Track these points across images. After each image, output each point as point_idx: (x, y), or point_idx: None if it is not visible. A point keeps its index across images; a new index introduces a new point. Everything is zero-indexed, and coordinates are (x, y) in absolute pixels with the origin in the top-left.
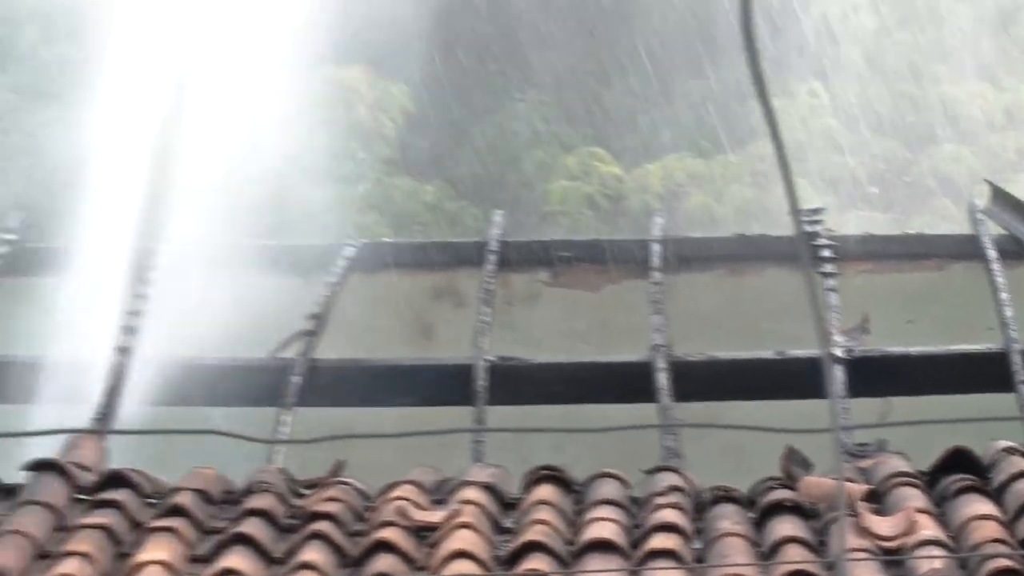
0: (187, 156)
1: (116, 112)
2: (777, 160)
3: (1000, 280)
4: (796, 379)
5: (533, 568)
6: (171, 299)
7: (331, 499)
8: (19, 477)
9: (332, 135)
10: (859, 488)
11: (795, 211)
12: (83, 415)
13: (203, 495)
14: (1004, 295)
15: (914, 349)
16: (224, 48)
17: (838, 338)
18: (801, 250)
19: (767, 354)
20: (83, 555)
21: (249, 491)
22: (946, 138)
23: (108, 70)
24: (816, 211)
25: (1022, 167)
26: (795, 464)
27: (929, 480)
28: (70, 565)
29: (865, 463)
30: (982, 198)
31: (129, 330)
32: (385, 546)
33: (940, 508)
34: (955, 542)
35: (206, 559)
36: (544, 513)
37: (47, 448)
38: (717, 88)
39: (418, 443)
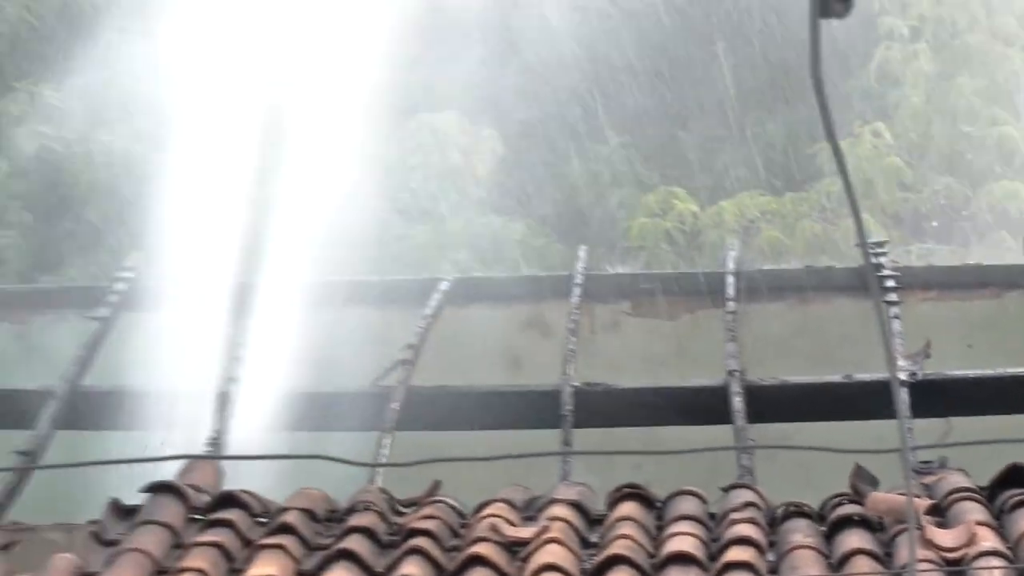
0: (293, 196)
1: (221, 156)
2: (846, 196)
3: None
4: (862, 401)
5: None
6: (279, 332)
7: (428, 516)
8: (138, 499)
9: (427, 177)
10: (923, 503)
11: (863, 244)
12: (197, 441)
13: (309, 514)
14: None
15: (973, 372)
16: (329, 95)
17: (902, 362)
18: (869, 280)
19: (835, 378)
20: (198, 571)
21: (352, 510)
22: (1003, 175)
23: (209, 116)
24: (881, 243)
25: None
26: (862, 481)
27: (988, 495)
28: None
29: (928, 479)
30: None
31: (239, 361)
32: (479, 560)
33: (999, 521)
34: (1013, 553)
35: (312, 574)
36: (627, 528)
37: (164, 472)
38: (787, 129)
39: (508, 464)
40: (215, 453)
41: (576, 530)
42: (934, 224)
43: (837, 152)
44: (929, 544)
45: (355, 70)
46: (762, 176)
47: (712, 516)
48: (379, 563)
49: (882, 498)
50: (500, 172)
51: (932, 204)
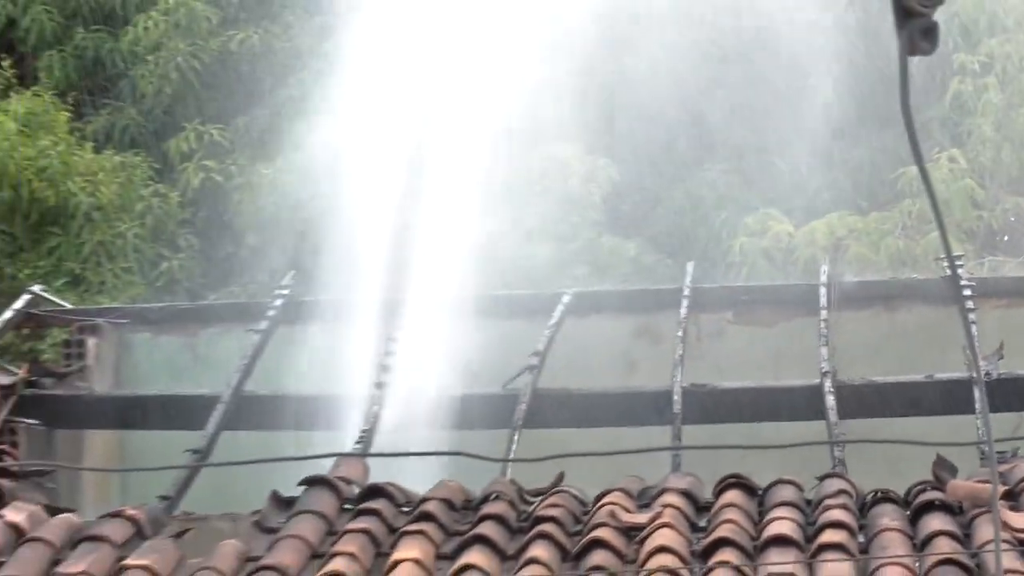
0: (435, 219)
1: (370, 184)
2: (932, 214)
3: None
4: (943, 398)
5: (725, 560)
6: (422, 341)
7: (553, 505)
8: (296, 491)
9: (549, 202)
10: (1000, 489)
11: (949, 256)
12: (347, 440)
13: (447, 503)
14: None
15: None
16: (467, 130)
17: (980, 363)
18: (953, 289)
19: (918, 378)
20: (349, 555)
21: (485, 499)
22: None
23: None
24: (958, 257)
25: None
26: (943, 470)
27: None
28: (339, 563)
29: (1003, 468)
30: None
31: (387, 368)
32: (599, 543)
33: None
34: None
35: (450, 556)
36: (732, 514)
37: (318, 467)
38: (871, 155)
39: (625, 457)
40: (363, 451)
41: (686, 516)
42: (1004, 239)
43: (924, 175)
44: (1005, 526)
45: (489, 107)
46: (849, 198)
47: (808, 502)
48: (510, 547)
49: (961, 485)
50: (614, 197)
51: (1002, 221)
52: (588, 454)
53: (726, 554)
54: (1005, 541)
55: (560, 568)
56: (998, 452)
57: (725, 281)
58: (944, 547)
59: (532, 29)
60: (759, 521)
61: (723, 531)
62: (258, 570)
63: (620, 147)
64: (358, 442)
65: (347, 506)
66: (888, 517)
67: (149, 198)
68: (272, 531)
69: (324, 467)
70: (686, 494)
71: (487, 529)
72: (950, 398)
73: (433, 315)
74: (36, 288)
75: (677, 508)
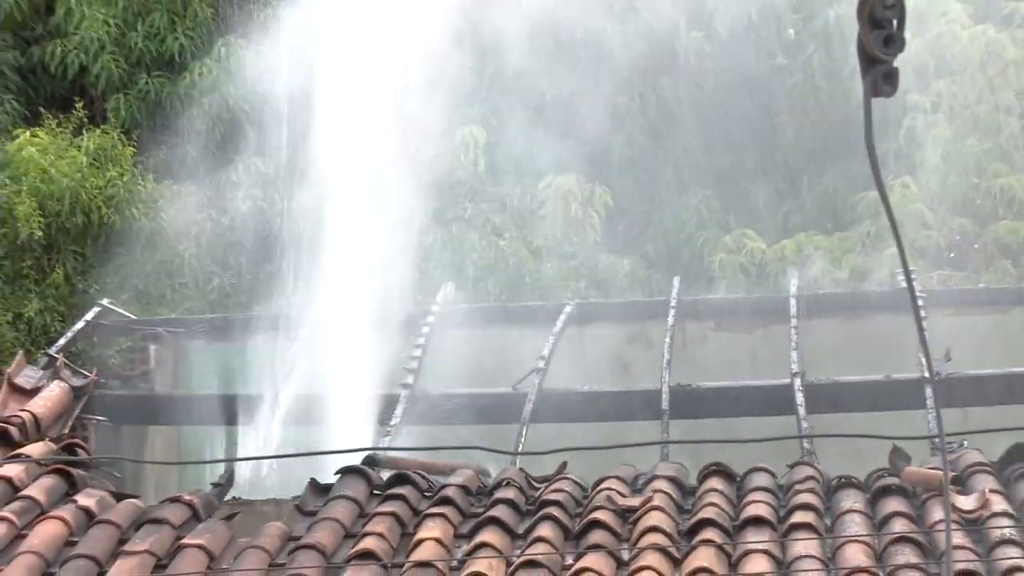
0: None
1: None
2: (892, 233)
3: None
4: (899, 396)
5: (708, 538)
6: (441, 347)
7: (557, 490)
8: (332, 479)
9: (553, 225)
10: (949, 475)
11: (905, 270)
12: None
13: (464, 489)
14: None
15: (984, 372)
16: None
17: (931, 365)
18: (911, 299)
19: (877, 377)
20: (378, 534)
21: (498, 486)
22: (1004, 216)
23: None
24: (912, 271)
25: None
26: (899, 459)
27: (998, 468)
28: (369, 542)
29: (952, 457)
30: None
31: (409, 371)
32: (598, 524)
33: (1007, 489)
34: (1019, 513)
35: (467, 536)
36: (714, 497)
37: (350, 459)
38: (834, 182)
39: (620, 448)
40: (390, 446)
41: (673, 499)
42: (951, 255)
43: (884, 199)
44: (954, 508)
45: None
46: (815, 219)
47: (780, 487)
48: (519, 527)
49: (915, 472)
50: (610, 220)
51: (949, 240)
52: (588, 448)
53: (709, 533)
54: (954, 521)
55: (563, 546)
56: (947, 443)
57: (707, 293)
58: (900, 526)
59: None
60: (737, 504)
61: (706, 512)
62: (298, 548)
63: (615, 176)
64: (385, 435)
65: (376, 492)
66: (851, 500)
67: (203, 223)
68: (311, 514)
69: (355, 459)
70: (673, 480)
71: (499, 512)
72: (905, 395)
73: (453, 323)
74: (105, 301)
75: (665, 493)
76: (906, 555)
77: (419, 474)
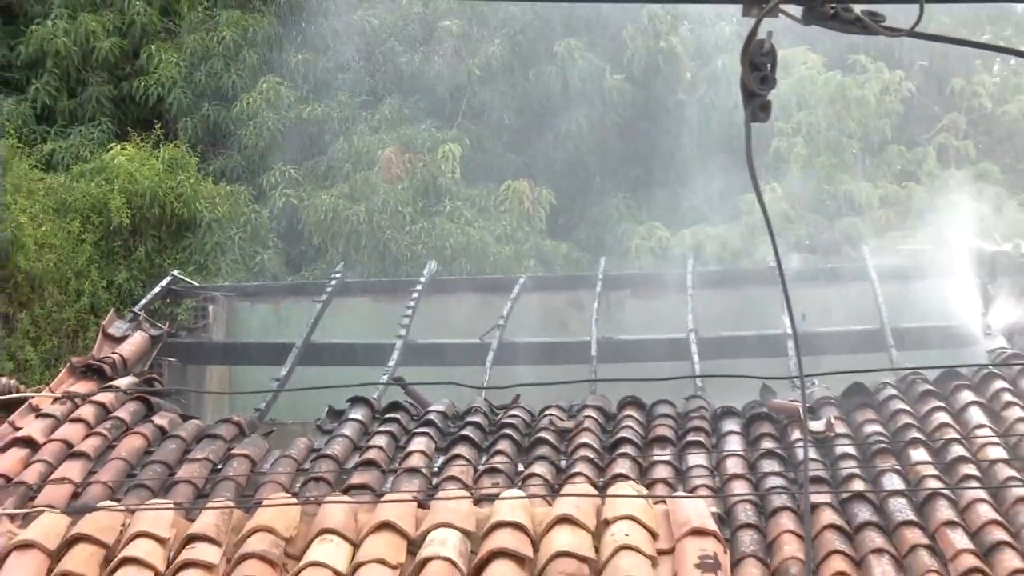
0: (449, 231)
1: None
2: (765, 225)
3: (880, 297)
4: (768, 346)
5: (625, 452)
6: (427, 308)
7: (512, 416)
8: (344, 406)
9: (511, 217)
10: (804, 406)
11: (776, 254)
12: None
13: (443, 415)
14: (881, 299)
15: (832, 328)
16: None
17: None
18: (779, 275)
19: (752, 333)
20: (379, 447)
21: (468, 412)
22: (847, 214)
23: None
24: (779, 254)
25: (896, 228)
26: (768, 394)
27: (841, 401)
28: (372, 452)
29: (806, 392)
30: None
31: (404, 327)
32: (543, 441)
33: (847, 416)
34: (855, 434)
35: (445, 449)
36: (629, 422)
37: (359, 390)
38: (723, 187)
39: (560, 385)
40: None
41: (599, 423)
42: (807, 243)
43: (760, 200)
44: (806, 429)
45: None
46: (707, 215)
47: (679, 415)
48: (484, 442)
49: (779, 403)
50: (553, 214)
51: (806, 231)
52: (535, 384)
53: (625, 448)
54: (808, 440)
55: (517, 456)
56: (804, 383)
57: (625, 270)
58: (767, 444)
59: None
60: (647, 426)
61: (623, 433)
62: (319, 457)
63: (557, 181)
64: (384, 374)
65: (377, 416)
66: (731, 424)
67: (249, 214)
68: (328, 432)
69: (363, 390)
70: (599, 409)
71: (469, 431)
72: (773, 346)
73: (434, 291)
74: (175, 272)
75: (593, 418)
76: (772, 465)
77: (409, 403)
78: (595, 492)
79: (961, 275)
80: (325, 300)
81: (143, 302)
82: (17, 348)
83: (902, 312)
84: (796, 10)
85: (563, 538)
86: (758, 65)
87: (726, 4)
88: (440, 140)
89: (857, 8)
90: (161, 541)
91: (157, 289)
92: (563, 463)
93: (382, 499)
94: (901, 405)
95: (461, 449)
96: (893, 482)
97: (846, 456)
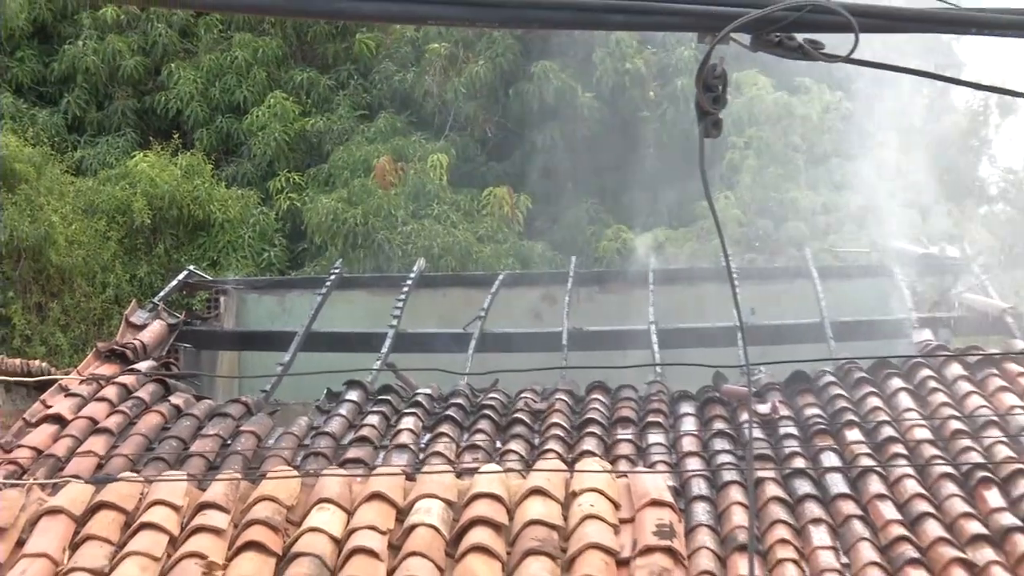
0: (429, 236)
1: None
2: (715, 229)
3: (820, 294)
4: (720, 337)
5: (592, 431)
6: (417, 300)
7: (492, 398)
8: (341, 388)
9: (492, 220)
10: (750, 391)
11: (725, 254)
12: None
13: (430, 397)
14: (821, 295)
15: (779, 322)
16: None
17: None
18: (727, 273)
19: (706, 324)
20: (371, 426)
21: (452, 395)
22: (791, 219)
23: None
24: (729, 255)
25: (835, 232)
26: (719, 380)
27: (784, 386)
28: (365, 430)
29: (753, 379)
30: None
31: (396, 317)
32: (519, 421)
33: (790, 400)
34: (797, 416)
35: (431, 427)
36: (596, 404)
37: (354, 375)
38: (679, 196)
39: (533, 371)
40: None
41: (569, 405)
42: (756, 244)
43: (712, 207)
44: (753, 412)
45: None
46: (666, 219)
47: (641, 398)
48: (466, 422)
49: (729, 388)
50: (530, 218)
51: (755, 234)
52: (512, 371)
53: (592, 427)
54: (752, 422)
55: (495, 435)
56: (750, 370)
57: (594, 268)
58: (719, 424)
59: None
60: (612, 408)
61: (591, 414)
62: (318, 434)
63: (533, 188)
64: (377, 360)
65: (370, 397)
66: (686, 407)
67: (257, 215)
68: (326, 412)
69: (358, 374)
70: (569, 392)
71: (452, 412)
72: (725, 337)
73: (422, 286)
74: (191, 267)
75: (564, 400)
76: (723, 444)
77: (399, 386)
78: (564, 467)
79: (892, 275)
80: (325, 293)
81: (162, 294)
82: (49, 334)
83: (840, 307)
84: (745, 38)
85: (535, 508)
86: (711, 87)
87: (684, 32)
88: (429, 150)
89: (799, 37)
90: (176, 508)
91: (174, 282)
92: (536, 441)
93: (374, 472)
94: (838, 391)
95: (445, 428)
96: (830, 459)
97: (789, 436)
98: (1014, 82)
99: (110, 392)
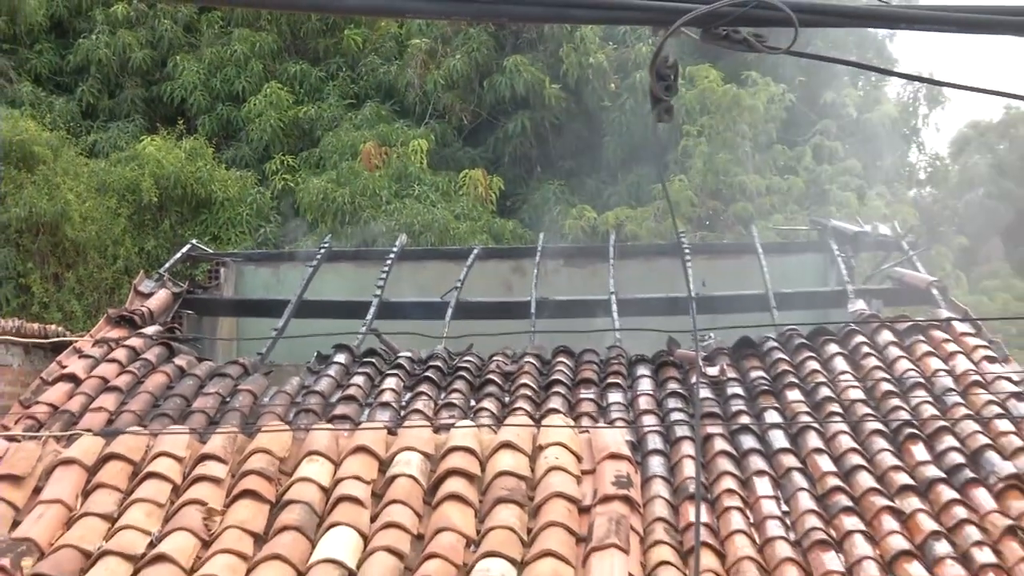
0: (412, 213)
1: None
2: (669, 209)
3: (765, 267)
4: (674, 307)
5: (558, 391)
6: (399, 272)
7: (467, 361)
8: (329, 351)
9: (468, 200)
10: (700, 355)
11: (676, 232)
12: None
13: (411, 359)
14: (766, 268)
15: (727, 293)
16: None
17: (692, 289)
18: (679, 251)
19: (660, 295)
20: (357, 385)
21: (430, 358)
22: (740, 200)
23: None
24: (682, 233)
25: (779, 211)
26: (673, 345)
27: (732, 351)
28: (352, 390)
29: (703, 343)
30: (755, 228)
31: (379, 287)
32: (491, 381)
33: (737, 364)
34: (743, 378)
35: (411, 388)
36: (561, 366)
37: (342, 338)
38: (638, 178)
39: (504, 335)
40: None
41: (537, 368)
42: (707, 223)
43: (665, 189)
44: (703, 374)
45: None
46: (626, 199)
47: (602, 361)
48: (443, 382)
49: (682, 352)
50: (502, 198)
51: (705, 213)
52: (485, 335)
53: (558, 388)
54: (702, 383)
55: (470, 394)
56: (701, 335)
57: (560, 243)
58: (672, 385)
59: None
60: (575, 370)
61: (556, 375)
62: (308, 393)
63: (506, 171)
64: (370, 331)
65: (356, 359)
66: (643, 369)
67: (254, 195)
68: (316, 373)
69: (345, 339)
70: (537, 356)
71: (431, 373)
72: (677, 307)
73: (404, 259)
74: (194, 241)
75: (532, 363)
76: (676, 403)
77: (383, 350)
78: (532, 423)
79: (830, 250)
80: (315, 265)
81: (167, 265)
82: (65, 302)
83: (782, 280)
84: (696, 31)
85: (505, 460)
86: (663, 76)
87: (641, 26)
88: (410, 136)
89: (744, 30)
90: (179, 459)
91: (179, 255)
92: (507, 400)
93: (359, 427)
94: (780, 355)
95: (424, 387)
96: (773, 417)
97: (735, 396)
98: (941, 74)
99: (120, 354)
